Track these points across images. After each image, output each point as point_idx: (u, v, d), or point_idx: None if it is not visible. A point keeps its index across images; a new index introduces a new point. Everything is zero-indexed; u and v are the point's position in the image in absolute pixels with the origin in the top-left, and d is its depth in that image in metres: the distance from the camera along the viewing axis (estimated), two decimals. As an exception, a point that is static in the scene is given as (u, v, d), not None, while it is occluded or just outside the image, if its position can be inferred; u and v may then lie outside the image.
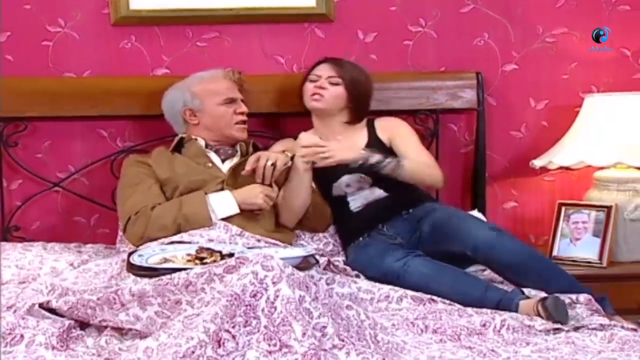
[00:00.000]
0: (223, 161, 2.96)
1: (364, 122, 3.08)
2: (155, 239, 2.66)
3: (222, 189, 2.82)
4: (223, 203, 2.75)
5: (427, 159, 2.97)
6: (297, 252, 2.49)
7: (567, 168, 3.27)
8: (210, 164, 2.91)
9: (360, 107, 3.03)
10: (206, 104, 2.96)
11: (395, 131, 3.03)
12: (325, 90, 2.97)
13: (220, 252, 2.40)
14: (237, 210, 2.75)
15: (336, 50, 3.29)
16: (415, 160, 2.90)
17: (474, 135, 3.34)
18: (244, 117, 2.99)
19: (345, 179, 2.93)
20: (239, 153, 2.99)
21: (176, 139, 2.99)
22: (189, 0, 3.25)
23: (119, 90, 3.18)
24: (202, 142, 2.96)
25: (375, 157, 2.81)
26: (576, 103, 3.30)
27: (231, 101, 2.97)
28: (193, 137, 2.98)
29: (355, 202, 2.96)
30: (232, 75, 3.06)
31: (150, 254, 2.42)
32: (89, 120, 3.26)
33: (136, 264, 2.35)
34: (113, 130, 3.30)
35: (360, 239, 2.91)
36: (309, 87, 3.01)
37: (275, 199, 2.83)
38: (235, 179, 2.87)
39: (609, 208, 3.05)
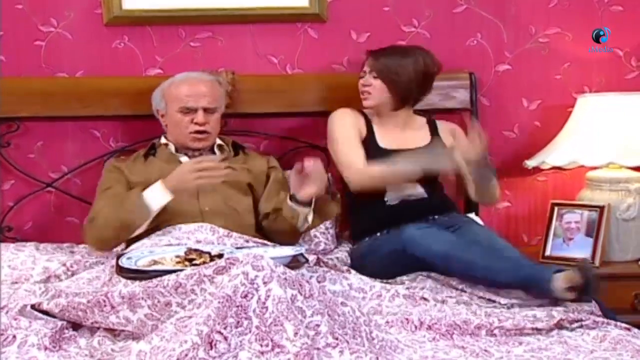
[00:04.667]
0: None
1: (424, 120, 3.08)
2: (113, 240, 2.69)
3: (197, 192, 2.79)
4: (155, 194, 2.69)
5: None
6: (286, 251, 2.49)
7: (559, 168, 3.28)
8: None
9: (400, 94, 2.96)
10: (168, 108, 2.92)
11: (459, 139, 3.04)
12: (370, 87, 2.95)
13: (209, 253, 2.40)
14: (170, 197, 2.68)
15: (329, 50, 3.31)
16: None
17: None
18: (200, 128, 2.87)
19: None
20: (217, 153, 2.96)
21: (150, 144, 2.98)
22: (182, 0, 3.25)
23: (112, 90, 3.18)
24: (172, 147, 2.93)
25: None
26: (569, 103, 3.31)
27: (187, 110, 2.87)
28: (164, 142, 2.96)
29: (392, 196, 2.91)
30: (223, 75, 3.04)
31: (139, 257, 2.42)
32: (81, 121, 3.25)
33: (125, 266, 2.35)
34: (106, 130, 3.30)
35: (378, 234, 2.89)
36: (359, 83, 3.00)
37: (222, 169, 2.70)
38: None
39: (601, 208, 3.05)
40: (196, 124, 2.87)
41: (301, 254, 2.50)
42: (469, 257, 2.54)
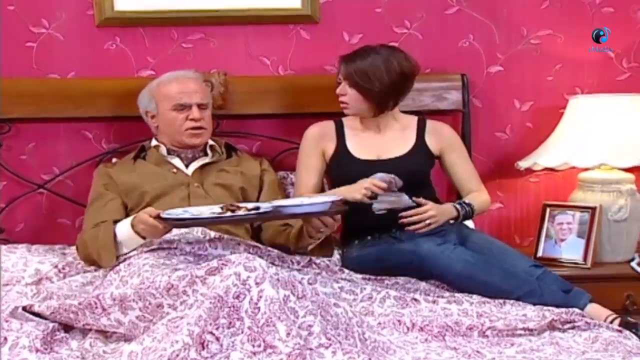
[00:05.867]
0: (187, 165, 2.90)
1: (415, 120, 3.04)
2: (95, 260, 2.66)
3: (188, 194, 2.79)
4: (127, 234, 2.63)
5: (480, 184, 3.05)
6: (326, 197, 2.54)
7: (551, 169, 3.28)
8: (174, 170, 2.87)
9: (376, 101, 2.89)
10: (160, 108, 2.90)
11: (449, 146, 3.02)
12: (346, 96, 2.89)
13: (245, 207, 2.43)
14: (140, 240, 2.61)
15: (322, 51, 3.30)
16: (478, 197, 2.98)
17: (459, 136, 3.34)
18: (196, 124, 2.85)
19: (378, 176, 2.84)
20: (209, 155, 2.94)
21: (139, 147, 2.96)
22: (174, 2, 3.24)
23: (104, 91, 3.17)
24: (163, 149, 2.91)
25: (464, 210, 2.87)
26: (560, 104, 3.32)
27: (182, 107, 2.86)
28: (154, 144, 2.94)
29: (380, 205, 2.85)
30: (215, 76, 3.03)
31: (176, 215, 2.43)
32: (73, 122, 3.24)
33: (165, 217, 2.40)
34: (98, 131, 3.29)
35: (369, 237, 2.87)
36: (336, 92, 2.94)
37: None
38: (202, 180, 2.85)
39: (593, 209, 3.06)
40: (192, 120, 2.86)
41: (335, 202, 2.53)
42: (489, 279, 2.55)
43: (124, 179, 2.83)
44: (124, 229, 2.63)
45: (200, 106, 2.89)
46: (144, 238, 2.58)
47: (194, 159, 2.92)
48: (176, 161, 2.91)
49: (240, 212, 2.39)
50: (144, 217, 2.49)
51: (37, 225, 3.29)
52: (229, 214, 2.38)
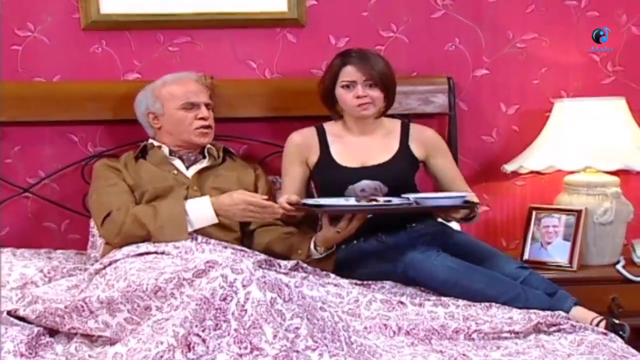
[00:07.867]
0: (187, 167, 2.91)
1: (398, 124, 3.03)
2: (132, 237, 2.62)
3: (186, 196, 2.77)
4: (201, 213, 2.68)
5: (467, 185, 3.02)
6: (458, 193, 2.71)
7: (537, 172, 3.28)
8: (175, 171, 2.87)
9: (391, 99, 2.97)
10: (166, 108, 2.90)
11: (434, 151, 2.99)
12: (368, 97, 2.87)
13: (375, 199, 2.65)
14: (215, 221, 2.69)
15: (308, 55, 3.30)
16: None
17: (445, 139, 3.34)
18: (205, 122, 2.90)
19: (363, 183, 2.85)
20: (207, 158, 2.95)
21: (141, 146, 2.96)
22: (160, 5, 3.24)
23: (90, 95, 3.16)
24: (165, 150, 2.91)
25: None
26: (546, 108, 3.33)
27: (191, 106, 2.89)
28: (156, 144, 2.93)
29: None
30: (202, 79, 3.04)
31: (329, 202, 2.64)
32: (59, 125, 3.23)
33: (310, 203, 2.60)
34: (84, 135, 3.27)
35: (355, 241, 2.85)
36: (347, 96, 2.89)
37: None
38: (200, 183, 2.85)
39: (579, 212, 3.07)
40: (201, 118, 2.88)
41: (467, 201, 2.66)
42: (474, 286, 2.55)
43: (129, 177, 2.83)
44: (199, 208, 2.68)
45: (207, 106, 2.93)
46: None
47: (195, 161, 2.93)
48: (177, 163, 2.91)
49: (387, 203, 2.61)
50: (257, 201, 2.63)
51: (22, 229, 3.27)
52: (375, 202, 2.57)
